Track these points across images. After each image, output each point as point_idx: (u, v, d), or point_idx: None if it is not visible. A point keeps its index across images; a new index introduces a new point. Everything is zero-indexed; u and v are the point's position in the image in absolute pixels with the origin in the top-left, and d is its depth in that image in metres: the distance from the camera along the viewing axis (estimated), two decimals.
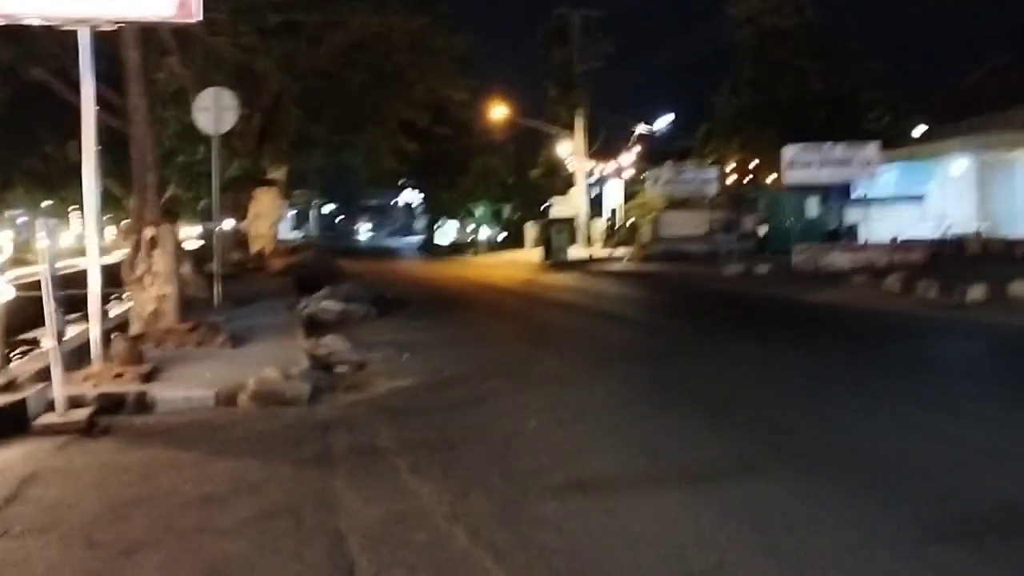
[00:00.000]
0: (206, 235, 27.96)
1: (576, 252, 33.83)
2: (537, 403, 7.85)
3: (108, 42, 13.17)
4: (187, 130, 16.28)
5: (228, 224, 25.12)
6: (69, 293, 8.66)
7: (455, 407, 7.77)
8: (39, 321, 6.83)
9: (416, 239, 75.90)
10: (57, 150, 21.47)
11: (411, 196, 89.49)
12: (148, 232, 11.08)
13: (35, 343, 9.52)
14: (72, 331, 9.22)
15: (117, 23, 8.47)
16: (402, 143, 39.78)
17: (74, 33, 17.69)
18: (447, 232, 62.62)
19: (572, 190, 40.06)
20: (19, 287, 8.89)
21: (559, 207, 41.59)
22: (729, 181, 37.61)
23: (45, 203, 33.42)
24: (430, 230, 64.39)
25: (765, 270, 22.46)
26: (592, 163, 39.65)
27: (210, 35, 17.84)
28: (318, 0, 23.32)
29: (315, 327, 13.82)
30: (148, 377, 8.47)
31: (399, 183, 70.22)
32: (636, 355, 10.91)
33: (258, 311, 15.58)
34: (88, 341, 8.72)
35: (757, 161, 39.03)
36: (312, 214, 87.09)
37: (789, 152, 24.13)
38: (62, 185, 29.26)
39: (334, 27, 26.16)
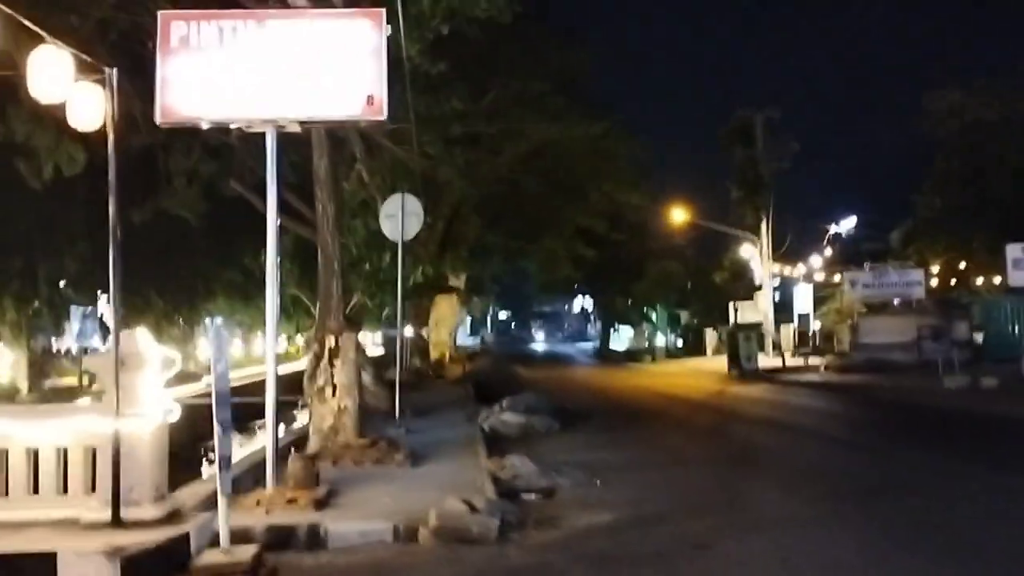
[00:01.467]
0: (387, 342, 28.07)
1: (765, 361, 31.72)
2: (771, 553, 6.46)
3: (300, 154, 13.28)
4: (373, 237, 16.18)
5: (408, 331, 25.08)
6: (250, 401, 8.19)
7: (670, 555, 6.49)
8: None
9: (590, 345, 75.14)
10: (253, 261, 22.00)
11: (584, 302, 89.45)
12: (330, 340, 10.60)
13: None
14: (251, 445, 8.68)
15: (303, 124, 8.08)
16: (579, 249, 39.45)
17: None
18: (622, 338, 61.48)
19: (757, 294, 38.09)
20: (200, 395, 8.41)
21: (744, 313, 39.61)
22: (934, 284, 34.68)
23: (240, 313, 34.78)
24: (604, 336, 63.37)
25: (994, 383, 19.85)
26: (778, 266, 37.68)
27: (396, 144, 17.95)
28: (500, 110, 23.45)
29: (497, 441, 12.96)
30: (322, 503, 7.71)
31: (573, 289, 69.94)
32: (871, 487, 9.23)
33: (438, 423, 14.90)
34: (263, 458, 8.18)
35: (966, 263, 35.94)
36: (487, 321, 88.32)
37: (1014, 251, 21.64)
38: (258, 295, 30.31)
39: (514, 136, 26.30)
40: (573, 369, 42.89)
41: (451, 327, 37.73)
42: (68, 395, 21.03)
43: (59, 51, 5.79)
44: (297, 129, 8.16)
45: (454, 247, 29.68)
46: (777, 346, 36.16)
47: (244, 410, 11.40)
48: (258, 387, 9.41)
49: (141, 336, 6.35)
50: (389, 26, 7.84)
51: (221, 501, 5.74)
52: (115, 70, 6.11)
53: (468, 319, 67.22)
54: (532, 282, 64.83)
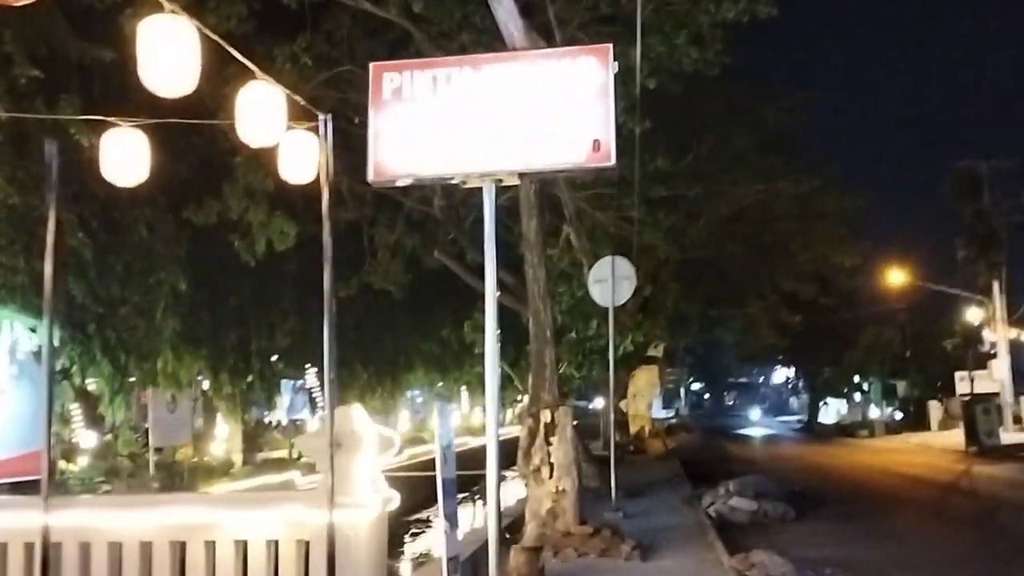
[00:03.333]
0: (576, 415, 27.06)
1: (1007, 436, 28.20)
2: None
3: (502, 222, 12.75)
4: (577, 305, 15.39)
5: (599, 404, 24.04)
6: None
7: None
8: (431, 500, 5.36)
9: (793, 419, 70.91)
10: (451, 332, 21.73)
11: (786, 373, 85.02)
12: (546, 415, 9.71)
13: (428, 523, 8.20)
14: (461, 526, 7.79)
15: (524, 175, 7.31)
16: (783, 316, 37.12)
17: (469, 218, 18.08)
18: (830, 412, 57.51)
19: (991, 363, 34.31)
20: (413, 467, 7.63)
21: (977, 382, 35.77)
22: None
23: (438, 384, 34.88)
24: (812, 409, 59.46)
25: None
26: (1015, 331, 33.86)
27: (596, 209, 17.21)
28: (701, 170, 22.32)
29: (725, 530, 11.55)
30: None
31: (774, 359, 66.41)
32: None
33: (654, 505, 13.64)
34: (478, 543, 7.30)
35: None
36: (679, 393, 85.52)
37: None
38: (455, 367, 30.21)
39: (714, 197, 25.01)
40: (783, 445, 40.12)
41: (649, 399, 36.19)
42: (278, 468, 21.28)
43: (271, 89, 5.28)
44: (516, 182, 7.39)
45: (653, 315, 28.47)
46: (1019, 419, 32.25)
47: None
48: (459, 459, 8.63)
49: (356, 414, 5.64)
50: (616, 63, 6.98)
51: None
52: (329, 116, 5.57)
53: (659, 391, 65.17)
54: (727, 352, 62.14)
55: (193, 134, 14.68)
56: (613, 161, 7.04)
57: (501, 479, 7.49)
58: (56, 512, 5.74)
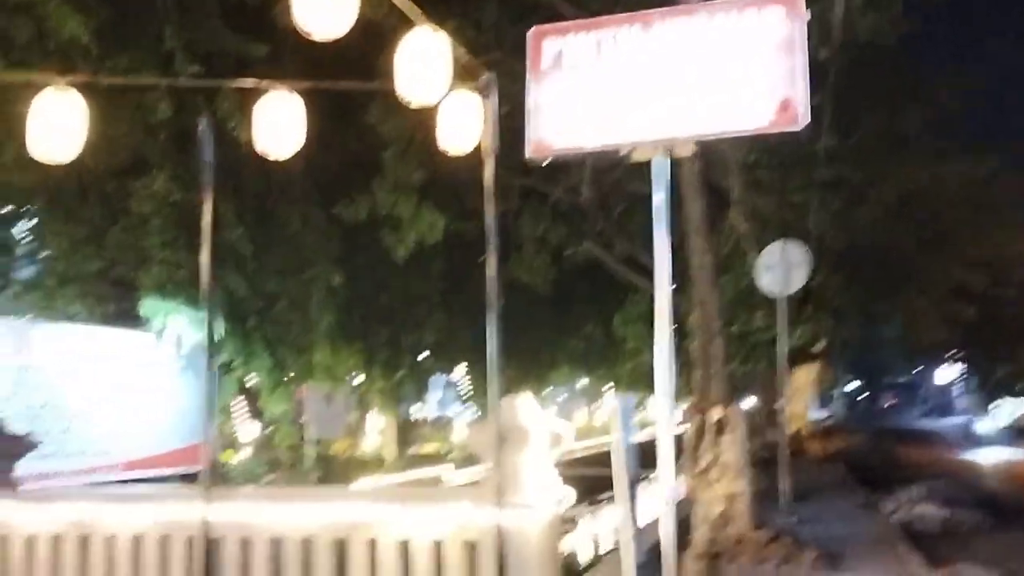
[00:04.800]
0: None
1: None
2: None
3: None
4: (741, 295, 14.50)
5: (749, 403, 22.94)
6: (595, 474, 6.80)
7: None
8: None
9: (959, 420, 66.55)
10: (597, 328, 21.10)
11: (949, 373, 79.97)
12: (715, 414, 8.98)
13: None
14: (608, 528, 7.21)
15: (700, 142, 6.64)
16: (954, 309, 34.54)
17: (619, 208, 17.42)
18: (1004, 413, 53.48)
19: None
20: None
21: None
22: None
23: (581, 382, 34.33)
24: (984, 410, 55.49)
25: None
26: None
27: (759, 193, 16.22)
28: (868, 151, 20.83)
29: (914, 538, 10.49)
30: None
31: (945, 356, 62.31)
32: None
33: (826, 511, 12.62)
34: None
35: None
36: (834, 392, 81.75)
37: None
38: (600, 364, 29.51)
39: (882, 181, 23.38)
40: (957, 448, 37.41)
41: (807, 399, 34.44)
42: (429, 462, 21.28)
43: (436, 37, 4.82)
44: (688, 152, 6.73)
45: (818, 309, 26.94)
46: None
47: (589, 483, 10.12)
48: (600, 458, 8.04)
49: (524, 406, 5.16)
50: (809, 11, 6.21)
51: None
52: (494, 75, 5.09)
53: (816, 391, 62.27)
54: (887, 350, 58.81)
55: (344, 128, 14.71)
56: (804, 123, 6.29)
57: (642, 482, 6.86)
58: (217, 505, 5.53)
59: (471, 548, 5.11)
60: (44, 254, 15.84)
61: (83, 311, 15.02)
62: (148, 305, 14.09)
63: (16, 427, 6.50)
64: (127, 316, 14.93)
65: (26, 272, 15.78)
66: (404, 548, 5.26)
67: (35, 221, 15.16)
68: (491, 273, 5.32)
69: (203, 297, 5.97)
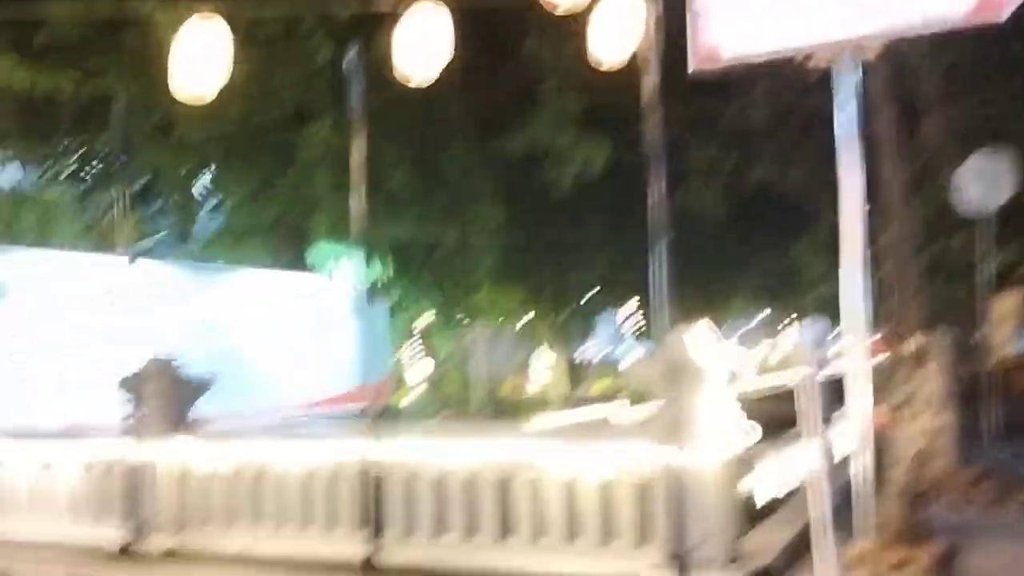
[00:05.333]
0: None
1: None
2: None
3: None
4: (937, 214, 13.21)
5: (946, 332, 21.13)
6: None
7: None
8: None
9: None
10: (776, 257, 20.04)
11: None
12: (912, 343, 8.16)
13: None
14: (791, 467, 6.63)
15: (887, 42, 5.84)
16: None
17: (794, 128, 16.27)
18: None
19: None
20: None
21: None
22: None
23: (761, 315, 33.07)
24: None
25: None
26: None
27: (957, 103, 14.69)
28: None
29: None
30: (946, 567, 5.43)
31: None
32: None
33: None
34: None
35: None
36: None
37: None
38: (779, 294, 28.17)
39: None
40: None
41: (1011, 329, 31.79)
42: (597, 401, 21.05)
43: None
44: (875, 54, 5.95)
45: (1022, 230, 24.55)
46: None
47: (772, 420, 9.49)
48: (784, 394, 7.42)
49: (698, 339, 4.71)
50: None
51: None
52: None
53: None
54: None
55: (501, 61, 14.40)
56: (1004, 15, 5.41)
57: (832, 418, 6.21)
58: (384, 443, 5.44)
59: (641, 489, 4.77)
60: (223, 206, 16.57)
61: (261, 258, 15.62)
62: (319, 250, 14.43)
63: (195, 370, 6.66)
64: (301, 262, 15.38)
65: (208, 223, 16.57)
66: (570, 488, 4.99)
67: (213, 175, 15.84)
68: (658, 198, 4.86)
69: (358, 239, 5.83)
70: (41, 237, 12.94)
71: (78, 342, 10.09)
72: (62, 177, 13.84)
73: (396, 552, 5.29)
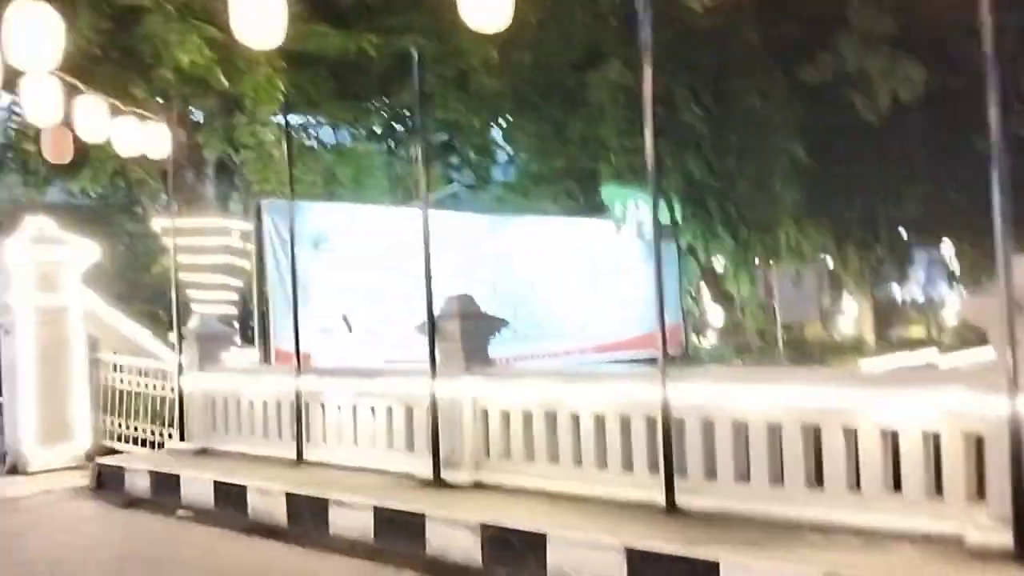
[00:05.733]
0: None
1: None
2: None
3: None
4: None
5: None
6: None
7: None
8: None
9: None
10: None
11: None
12: None
13: None
14: None
15: None
16: None
17: None
18: None
19: None
20: None
21: None
22: None
23: None
24: None
25: None
26: None
27: None
28: None
29: None
30: None
31: None
32: None
33: None
34: None
35: None
36: None
37: None
38: None
39: None
40: None
41: None
42: (914, 346, 19.41)
43: None
44: None
45: None
46: None
47: None
48: None
49: None
50: None
51: None
52: None
53: None
54: None
55: None
56: None
57: None
58: (679, 386, 5.25)
59: (974, 441, 4.21)
60: (516, 155, 17.02)
61: (552, 206, 15.91)
62: (609, 194, 14.40)
63: (489, 309, 6.84)
64: (591, 206, 15.46)
65: (502, 172, 17.11)
66: (889, 439, 4.52)
67: (506, 125, 16.28)
68: (994, 121, 4.18)
69: (650, 178, 5.63)
70: (355, 191, 14.06)
71: (387, 287, 10.86)
72: (372, 135, 14.87)
73: (696, 497, 5.12)
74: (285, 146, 9.07)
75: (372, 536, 5.85)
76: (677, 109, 13.95)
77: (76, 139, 7.93)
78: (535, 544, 4.96)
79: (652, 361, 5.75)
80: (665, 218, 14.59)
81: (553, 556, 4.89)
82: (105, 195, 14.90)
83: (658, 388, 5.22)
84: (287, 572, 5.45)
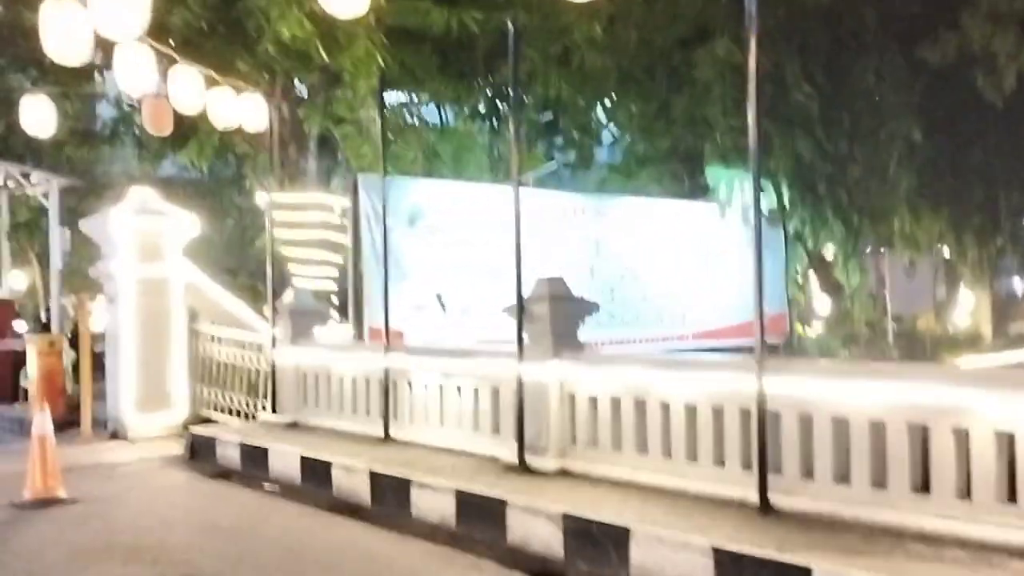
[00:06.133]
0: None
1: None
2: None
3: None
4: None
5: None
6: None
7: None
8: None
9: None
10: None
11: None
12: None
13: None
14: None
15: None
16: None
17: None
18: None
19: None
20: None
21: None
22: None
23: None
24: None
25: None
26: None
27: None
28: None
29: None
30: None
31: None
32: None
33: None
34: None
35: None
36: None
37: None
38: None
39: None
40: None
41: None
42: None
43: None
44: None
45: None
46: None
47: None
48: None
49: None
50: None
51: None
52: None
53: None
54: None
55: None
56: None
57: None
58: (776, 378, 4.97)
59: None
60: (619, 135, 16.68)
61: (656, 186, 15.53)
62: (714, 176, 13.95)
63: (585, 294, 6.67)
64: (695, 189, 15.02)
65: (605, 154, 16.81)
66: (1005, 442, 4.15)
67: (610, 104, 15.92)
68: None
69: (752, 159, 5.35)
70: (455, 169, 14.00)
71: (480, 265, 10.76)
72: (475, 113, 14.77)
73: (791, 497, 4.84)
74: (386, 123, 9.03)
75: (453, 521, 5.77)
76: (788, 88, 13.38)
77: (176, 112, 8.06)
78: (619, 539, 4.78)
79: (752, 350, 5.47)
80: (772, 202, 14.06)
81: (637, 553, 4.70)
82: (215, 169, 15.30)
83: (754, 378, 4.95)
84: (363, 555, 5.41)
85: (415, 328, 9.90)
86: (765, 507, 4.88)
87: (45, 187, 13.58)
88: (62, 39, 6.15)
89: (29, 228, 16.18)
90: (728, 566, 4.31)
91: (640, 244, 13.04)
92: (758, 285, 5.26)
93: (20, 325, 13.24)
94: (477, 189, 12.06)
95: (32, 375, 10.68)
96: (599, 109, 15.87)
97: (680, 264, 13.46)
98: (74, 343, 10.76)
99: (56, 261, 13.11)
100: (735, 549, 4.32)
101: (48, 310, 13.85)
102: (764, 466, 4.90)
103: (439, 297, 10.87)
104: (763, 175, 12.73)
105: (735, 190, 13.78)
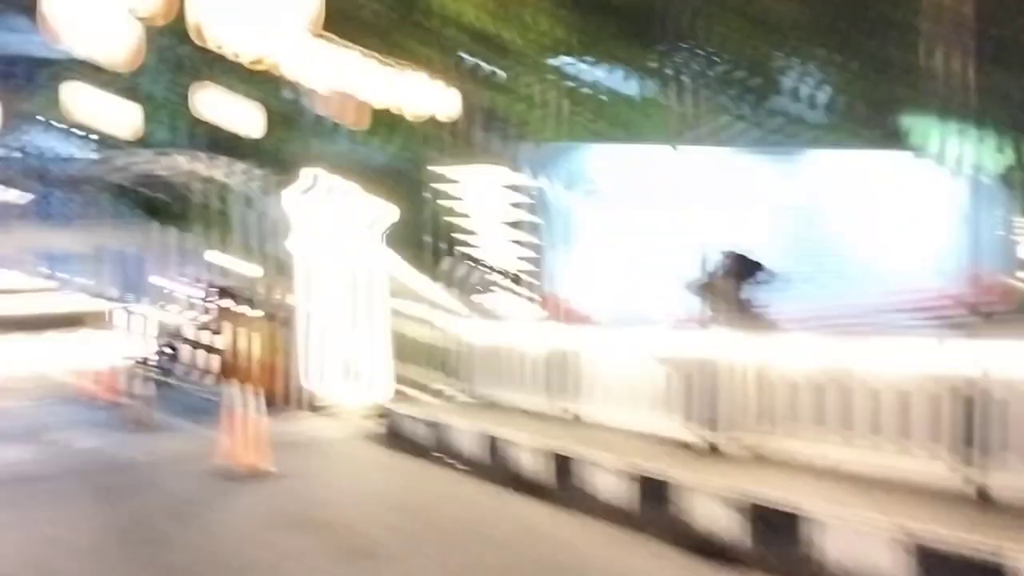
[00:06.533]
0: None
1: None
2: None
3: None
4: None
5: None
6: None
7: None
8: None
9: None
10: None
11: None
12: None
13: None
14: None
15: None
16: None
17: None
18: None
19: None
20: None
21: None
22: None
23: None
24: None
25: None
26: None
27: None
28: None
29: None
30: None
31: None
32: None
33: None
34: None
35: None
36: None
37: None
38: None
39: None
40: None
41: None
42: None
43: None
44: None
45: None
46: None
47: None
48: None
49: None
50: None
51: None
52: None
53: None
54: None
55: None
56: None
57: None
58: (999, 352, 4.40)
59: None
60: (804, 85, 15.51)
61: (848, 139, 14.32)
62: (919, 127, 12.73)
63: (774, 263, 6.23)
64: (896, 140, 13.74)
65: (796, 107, 15.72)
66: None
67: (791, 54, 14.85)
68: None
69: (971, 113, 4.73)
70: (633, 135, 13.53)
71: (658, 233, 10.30)
72: (652, 73, 14.21)
73: (1014, 488, 4.29)
74: (558, 92, 8.84)
75: (636, 504, 5.56)
76: (1018, 29, 11.96)
77: (364, 102, 8.19)
78: (810, 530, 4.41)
79: (969, 320, 4.87)
80: (990, 156, 12.72)
81: (830, 545, 4.31)
82: (402, 152, 15.62)
83: (970, 355, 4.40)
84: (544, 537, 5.32)
85: (599, 303, 9.68)
86: (983, 497, 4.37)
87: (252, 178, 14.31)
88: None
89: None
90: (934, 566, 3.86)
91: (835, 203, 12.11)
92: (972, 249, 4.69)
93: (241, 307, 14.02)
94: (658, 153, 11.56)
95: (243, 353, 11.28)
96: (792, 61, 14.87)
97: (881, 225, 12.39)
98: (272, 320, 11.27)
99: (263, 246, 13.80)
100: (940, 546, 3.87)
101: (257, 292, 14.60)
102: (982, 451, 4.37)
103: (624, 270, 10.53)
104: (982, 126, 11.53)
105: (947, 143, 12.53)
